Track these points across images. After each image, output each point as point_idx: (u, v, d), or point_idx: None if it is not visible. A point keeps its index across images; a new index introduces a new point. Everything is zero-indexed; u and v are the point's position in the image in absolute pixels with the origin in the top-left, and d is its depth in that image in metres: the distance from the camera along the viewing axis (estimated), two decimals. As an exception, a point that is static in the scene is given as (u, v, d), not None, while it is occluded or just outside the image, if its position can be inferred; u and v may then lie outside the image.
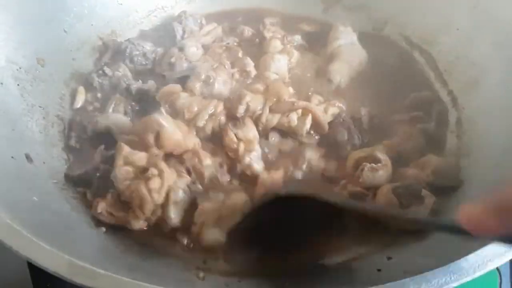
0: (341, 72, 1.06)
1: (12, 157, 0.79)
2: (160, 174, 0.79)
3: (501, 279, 0.92)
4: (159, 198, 0.78)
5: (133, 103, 1.00)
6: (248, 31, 1.20)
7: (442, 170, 0.87)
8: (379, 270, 0.70)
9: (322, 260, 0.77)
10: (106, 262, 0.68)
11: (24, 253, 0.57)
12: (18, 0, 0.96)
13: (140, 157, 0.82)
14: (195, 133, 0.90)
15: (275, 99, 0.92)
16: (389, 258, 0.74)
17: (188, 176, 0.84)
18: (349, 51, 1.10)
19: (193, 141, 0.87)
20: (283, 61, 1.06)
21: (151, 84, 1.02)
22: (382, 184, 0.85)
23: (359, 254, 0.79)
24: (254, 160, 0.88)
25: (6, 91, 0.88)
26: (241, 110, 0.90)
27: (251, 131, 0.90)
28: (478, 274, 0.57)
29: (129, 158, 0.81)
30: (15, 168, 0.77)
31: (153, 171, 0.79)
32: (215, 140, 0.92)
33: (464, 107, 1.00)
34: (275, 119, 0.91)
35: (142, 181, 0.78)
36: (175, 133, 0.84)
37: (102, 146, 0.90)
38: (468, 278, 0.57)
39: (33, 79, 0.95)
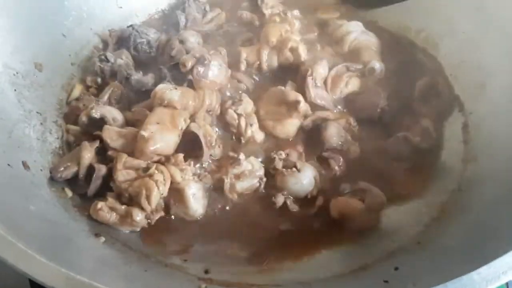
0: (375, 58, 1.09)
1: (9, 164, 0.77)
2: (163, 171, 0.81)
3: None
4: (164, 189, 0.80)
5: (131, 94, 1.00)
6: (246, 15, 1.19)
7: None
8: (386, 281, 0.68)
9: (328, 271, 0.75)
10: (106, 273, 0.66)
11: (21, 267, 0.55)
12: (15, 4, 0.94)
13: (139, 162, 0.82)
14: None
15: (267, 45, 1.02)
16: (396, 269, 0.71)
17: (192, 166, 0.85)
18: (366, 39, 1.12)
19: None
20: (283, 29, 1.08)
21: (150, 77, 1.00)
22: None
23: (365, 263, 0.77)
24: (256, 132, 0.96)
25: (3, 97, 0.86)
26: (242, 67, 1.02)
27: (248, 105, 0.96)
28: (491, 287, 0.55)
29: (128, 163, 0.82)
30: (11, 176, 0.76)
31: (155, 169, 0.81)
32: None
33: (471, 112, 0.97)
34: (274, 61, 1.03)
35: (147, 176, 0.79)
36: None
37: (97, 142, 0.89)
38: (481, 291, 0.55)
39: (30, 85, 0.93)
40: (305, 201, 0.88)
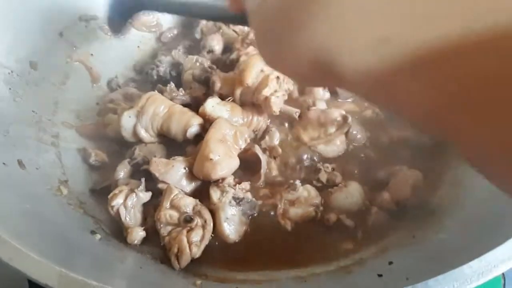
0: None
1: (4, 163, 0.77)
2: (204, 226, 0.77)
3: (504, 280, 0.90)
4: (197, 252, 0.75)
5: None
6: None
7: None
8: (380, 275, 0.68)
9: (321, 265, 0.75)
10: (101, 271, 0.66)
11: (14, 264, 0.55)
12: (9, 2, 0.94)
13: (187, 203, 0.79)
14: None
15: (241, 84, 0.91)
16: (390, 263, 0.72)
17: (232, 188, 0.82)
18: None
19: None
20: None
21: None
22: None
23: (359, 258, 0.77)
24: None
25: (-2, 95, 0.86)
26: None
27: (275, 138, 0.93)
28: (482, 280, 0.55)
29: (175, 202, 0.79)
30: (6, 174, 0.76)
31: (198, 221, 0.77)
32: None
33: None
34: (249, 98, 0.92)
35: (185, 230, 0.76)
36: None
37: (126, 160, 0.89)
38: (473, 285, 0.55)
39: (25, 83, 0.94)
40: (359, 214, 0.84)
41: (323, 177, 0.87)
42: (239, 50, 1.06)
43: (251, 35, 1.08)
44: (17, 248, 0.56)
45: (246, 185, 0.85)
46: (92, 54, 1.10)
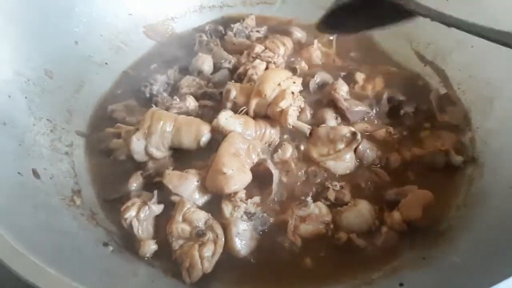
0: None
1: (19, 172, 0.78)
2: (215, 240, 0.77)
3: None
4: (209, 267, 0.76)
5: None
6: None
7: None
8: (391, 297, 0.68)
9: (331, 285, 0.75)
10: (114, 285, 0.67)
11: (30, 278, 0.55)
12: (26, 11, 0.95)
13: (200, 217, 0.80)
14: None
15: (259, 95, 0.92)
16: (401, 285, 0.72)
17: (243, 202, 0.82)
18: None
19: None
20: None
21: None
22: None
23: (370, 279, 0.77)
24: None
25: (14, 104, 0.87)
26: (228, 105, 0.95)
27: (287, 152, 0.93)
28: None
29: (188, 216, 0.79)
30: (21, 184, 0.76)
31: (210, 235, 0.78)
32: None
33: (478, 127, 0.97)
34: (263, 110, 0.94)
35: (196, 245, 0.76)
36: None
37: (139, 172, 0.89)
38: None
39: (41, 92, 0.95)
40: (369, 233, 0.83)
41: (331, 195, 0.87)
42: (245, 64, 1.09)
43: (256, 49, 1.11)
44: (34, 262, 0.56)
45: (257, 199, 0.85)
46: (106, 63, 1.11)
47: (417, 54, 1.17)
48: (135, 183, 0.88)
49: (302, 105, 0.96)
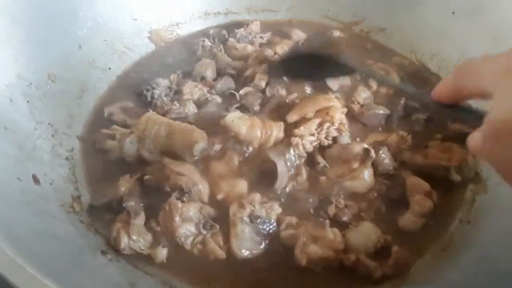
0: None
1: (18, 178, 0.77)
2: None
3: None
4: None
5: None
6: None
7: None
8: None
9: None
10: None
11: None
12: (30, 15, 0.94)
13: (194, 212, 0.82)
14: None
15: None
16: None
17: (252, 205, 0.82)
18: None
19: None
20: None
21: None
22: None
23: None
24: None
25: (16, 108, 0.86)
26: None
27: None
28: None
29: (185, 215, 0.80)
30: (21, 190, 0.75)
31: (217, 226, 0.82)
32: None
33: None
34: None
35: (207, 236, 0.81)
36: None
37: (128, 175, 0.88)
38: None
39: (43, 95, 0.94)
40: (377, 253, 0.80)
41: (331, 210, 0.85)
42: (254, 68, 1.08)
43: (265, 53, 1.11)
44: (32, 275, 0.55)
45: (273, 205, 0.84)
46: (109, 68, 1.11)
47: (422, 66, 1.16)
48: (123, 186, 0.86)
49: (326, 144, 0.94)
